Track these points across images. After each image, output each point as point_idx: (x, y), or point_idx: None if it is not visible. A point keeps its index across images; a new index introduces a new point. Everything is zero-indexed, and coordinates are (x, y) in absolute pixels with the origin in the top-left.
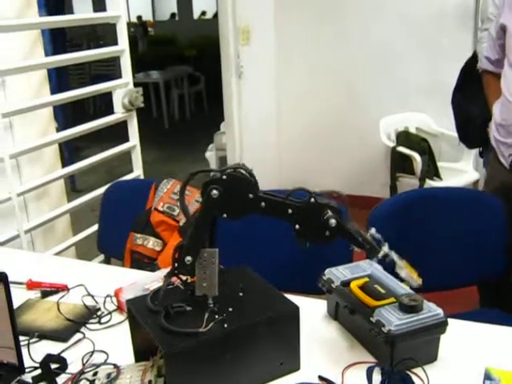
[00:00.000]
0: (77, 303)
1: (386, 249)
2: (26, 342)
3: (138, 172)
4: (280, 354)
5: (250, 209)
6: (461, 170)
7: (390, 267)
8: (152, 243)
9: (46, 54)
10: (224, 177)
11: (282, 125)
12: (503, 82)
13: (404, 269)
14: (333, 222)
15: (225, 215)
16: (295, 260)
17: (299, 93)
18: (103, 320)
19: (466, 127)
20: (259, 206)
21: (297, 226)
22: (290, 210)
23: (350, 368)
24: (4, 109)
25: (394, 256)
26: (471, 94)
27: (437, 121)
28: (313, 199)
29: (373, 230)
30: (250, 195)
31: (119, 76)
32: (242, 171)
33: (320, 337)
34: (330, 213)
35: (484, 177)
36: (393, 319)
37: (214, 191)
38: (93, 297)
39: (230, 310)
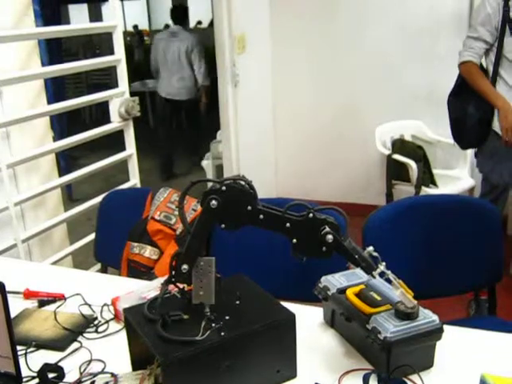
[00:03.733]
0: (74, 312)
1: (382, 267)
2: (24, 352)
3: (134, 181)
4: (277, 362)
5: (247, 220)
6: (456, 177)
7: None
8: (149, 252)
9: (43, 64)
10: (223, 188)
11: (279, 133)
12: None
13: (399, 288)
14: (330, 237)
15: (223, 225)
16: (291, 268)
17: (295, 101)
18: (100, 329)
19: (461, 127)
20: (257, 218)
21: (294, 240)
22: (288, 224)
23: (347, 375)
24: (1, 119)
25: (390, 275)
26: (467, 96)
27: (432, 128)
28: (311, 214)
29: (370, 248)
30: (249, 207)
31: (116, 85)
32: (242, 183)
33: (316, 344)
34: (327, 228)
35: (480, 181)
36: (389, 326)
37: (213, 201)
38: (90, 306)
39: (227, 318)
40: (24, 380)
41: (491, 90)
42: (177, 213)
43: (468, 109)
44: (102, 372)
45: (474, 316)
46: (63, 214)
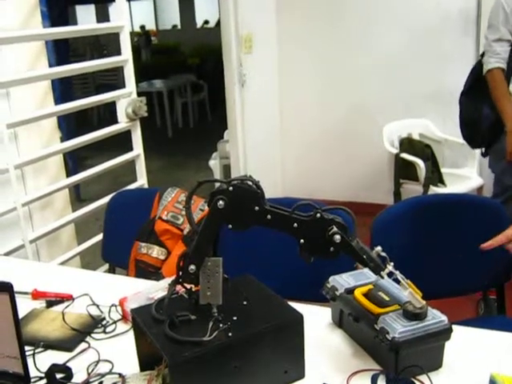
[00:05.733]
0: (82, 313)
1: (390, 267)
2: (32, 352)
3: (142, 181)
4: (284, 362)
5: (255, 221)
6: (465, 176)
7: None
8: (156, 252)
9: (50, 65)
10: (231, 188)
11: (286, 133)
12: None
13: (408, 288)
14: (337, 238)
15: (230, 226)
16: (299, 268)
17: (302, 100)
18: (108, 329)
19: (475, 127)
20: (265, 218)
21: (302, 241)
22: (295, 224)
23: (355, 376)
24: (9, 119)
25: (399, 275)
26: (481, 96)
27: (440, 127)
28: (319, 214)
29: (378, 248)
30: (256, 207)
31: (123, 85)
32: (249, 183)
33: (324, 344)
34: (335, 228)
35: (488, 181)
36: (397, 326)
37: (221, 202)
38: (98, 306)
39: (235, 318)
40: (32, 380)
41: (507, 110)
42: (184, 213)
43: (483, 109)
44: (110, 372)
45: (483, 316)
46: (71, 214)
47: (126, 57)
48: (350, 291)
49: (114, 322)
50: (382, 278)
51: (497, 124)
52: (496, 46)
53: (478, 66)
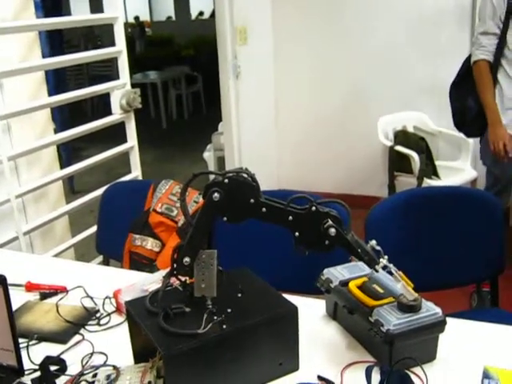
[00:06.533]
0: (76, 305)
1: (384, 261)
2: (26, 344)
3: (136, 173)
4: (279, 355)
5: (250, 213)
6: (459, 169)
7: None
8: (150, 244)
9: (44, 56)
10: (226, 180)
11: (280, 125)
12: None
13: (400, 281)
14: (332, 231)
15: (225, 218)
16: (294, 260)
17: (297, 92)
18: (102, 321)
19: (461, 118)
20: (260, 211)
21: (296, 234)
22: (290, 217)
23: (349, 368)
24: (2, 111)
25: (392, 268)
26: (468, 87)
27: (434, 119)
28: (314, 207)
29: (373, 242)
30: (252, 200)
31: (117, 76)
32: (245, 175)
33: (319, 337)
34: (330, 222)
35: (482, 173)
36: (391, 319)
37: (216, 194)
38: (92, 298)
39: (229, 310)
40: (26, 373)
41: (489, 102)
42: (178, 205)
43: (467, 101)
44: (104, 365)
45: (477, 308)
46: (65, 206)
47: (120, 48)
48: (345, 284)
49: (108, 315)
50: (377, 271)
51: (481, 115)
52: (482, 38)
53: (469, 58)
